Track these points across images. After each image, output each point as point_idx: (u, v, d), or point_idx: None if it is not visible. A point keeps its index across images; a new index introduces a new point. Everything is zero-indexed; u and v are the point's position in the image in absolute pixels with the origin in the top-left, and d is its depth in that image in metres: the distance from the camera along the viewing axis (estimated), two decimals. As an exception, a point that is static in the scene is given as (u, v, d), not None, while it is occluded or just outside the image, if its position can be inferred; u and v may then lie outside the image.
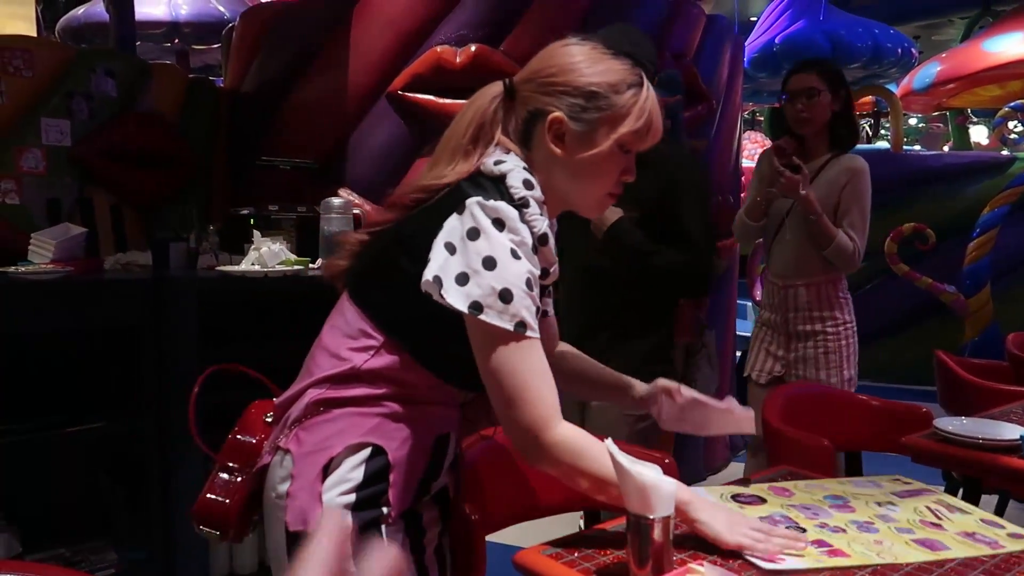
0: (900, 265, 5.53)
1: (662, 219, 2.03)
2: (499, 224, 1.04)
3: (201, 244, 2.87)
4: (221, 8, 6.29)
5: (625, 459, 1.01)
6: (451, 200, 1.09)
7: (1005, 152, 6.37)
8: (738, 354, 4.69)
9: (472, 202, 1.05)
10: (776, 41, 6.24)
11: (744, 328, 5.30)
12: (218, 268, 2.65)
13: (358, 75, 3.41)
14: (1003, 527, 1.24)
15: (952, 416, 1.91)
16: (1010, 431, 1.62)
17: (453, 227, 1.06)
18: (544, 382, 1.06)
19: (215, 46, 5.99)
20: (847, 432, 2.08)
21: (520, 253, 1.04)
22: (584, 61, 1.13)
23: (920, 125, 12.40)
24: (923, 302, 5.64)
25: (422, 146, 3.60)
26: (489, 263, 1.02)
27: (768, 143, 11.80)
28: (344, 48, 3.43)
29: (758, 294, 5.02)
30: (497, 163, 1.11)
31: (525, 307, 1.03)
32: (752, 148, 11.56)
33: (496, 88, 1.18)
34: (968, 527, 1.24)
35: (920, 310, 5.82)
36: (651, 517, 0.99)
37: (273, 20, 3.73)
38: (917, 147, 12.86)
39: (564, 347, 1.52)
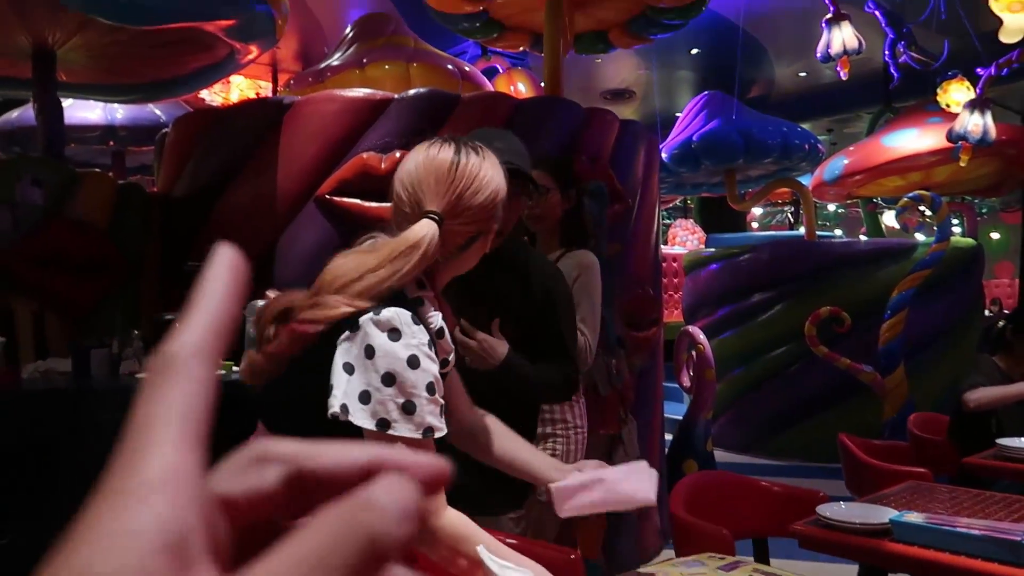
0: (820, 347, 5.77)
1: (541, 334, 1.95)
2: (394, 335, 1.11)
3: (124, 350, 2.89)
4: (157, 112, 6.42)
5: (495, 564, 1.08)
6: (346, 322, 1.15)
7: (917, 237, 6.81)
8: (668, 437, 4.80)
9: (364, 319, 1.12)
10: (694, 139, 6.65)
11: (676, 411, 5.44)
12: (141, 375, 2.67)
13: (287, 180, 3.53)
14: None
15: (850, 498, 2.03)
16: (883, 514, 1.74)
17: (348, 348, 1.13)
18: None
19: (151, 148, 6.08)
20: (748, 518, 2.18)
21: (419, 358, 1.11)
22: (496, 177, 1.27)
23: (840, 211, 13.12)
24: (845, 382, 5.87)
25: (351, 246, 3.73)
26: (388, 379, 1.09)
27: (699, 230, 12.21)
28: (274, 154, 3.56)
29: (685, 380, 5.18)
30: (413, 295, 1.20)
31: (429, 412, 1.11)
32: (683, 235, 12.05)
33: (430, 228, 1.20)
34: None
35: (842, 389, 6.05)
36: (523, 621, 1.06)
37: (206, 126, 3.86)
38: (839, 231, 13.59)
39: (483, 421, 1.55)
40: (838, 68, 5.49)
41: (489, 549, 1.12)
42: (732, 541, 1.94)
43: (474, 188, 1.24)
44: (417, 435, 1.09)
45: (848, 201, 8.76)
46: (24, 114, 6.26)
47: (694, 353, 4.96)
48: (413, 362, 1.10)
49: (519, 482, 1.94)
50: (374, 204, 3.38)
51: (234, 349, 1.42)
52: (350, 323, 1.13)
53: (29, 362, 2.88)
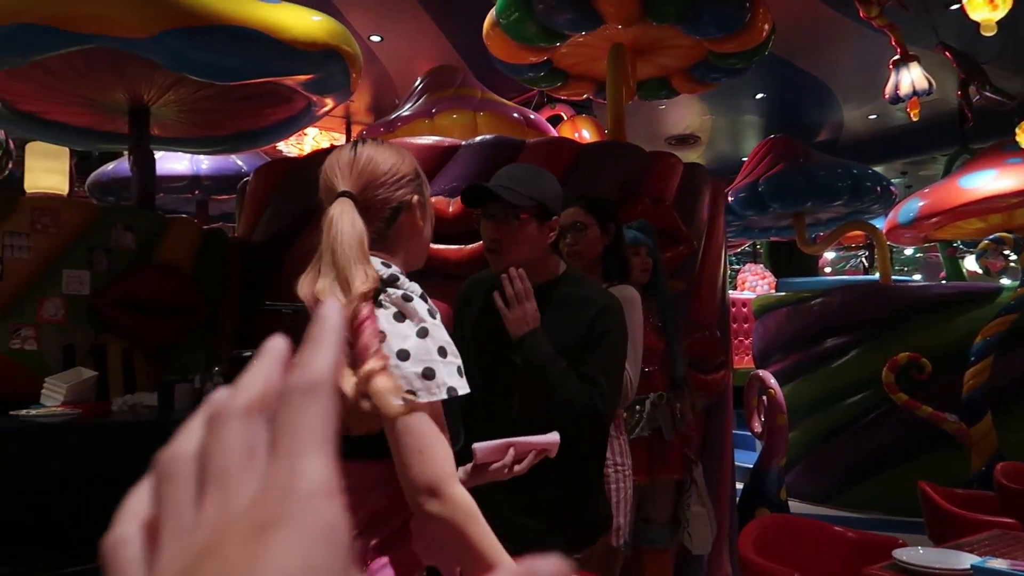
0: (899, 394, 5.56)
1: (583, 359, 1.87)
2: (399, 316, 1.20)
3: (206, 385, 3.02)
4: (239, 163, 6.76)
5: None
6: None
7: (1003, 281, 6.55)
8: (739, 486, 4.68)
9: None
10: (760, 182, 6.60)
11: (747, 459, 5.30)
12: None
13: (359, 224, 3.66)
14: None
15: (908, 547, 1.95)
16: (964, 560, 1.67)
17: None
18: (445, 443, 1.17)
19: (233, 196, 6.40)
20: (819, 564, 2.11)
21: (427, 328, 1.20)
22: (395, 155, 1.36)
23: (918, 255, 12.71)
24: (926, 431, 5.62)
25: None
26: (403, 355, 1.16)
27: (768, 274, 11.96)
28: (347, 200, 3.71)
29: (756, 426, 5.05)
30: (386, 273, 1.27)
31: (447, 373, 1.18)
32: (753, 280, 11.84)
33: (344, 207, 1.25)
34: None
35: (924, 439, 5.79)
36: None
37: (284, 174, 4.05)
38: (917, 276, 13.13)
39: None
40: (908, 110, 5.40)
41: None
42: (803, 585, 1.89)
43: (376, 160, 1.32)
44: (440, 396, 1.15)
45: (926, 244, 8.49)
46: (119, 166, 6.68)
47: (765, 398, 4.85)
48: (422, 333, 1.18)
49: (584, 526, 1.93)
50: (442, 247, 3.47)
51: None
52: None
53: (118, 396, 3.03)
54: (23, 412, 2.60)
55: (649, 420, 3.09)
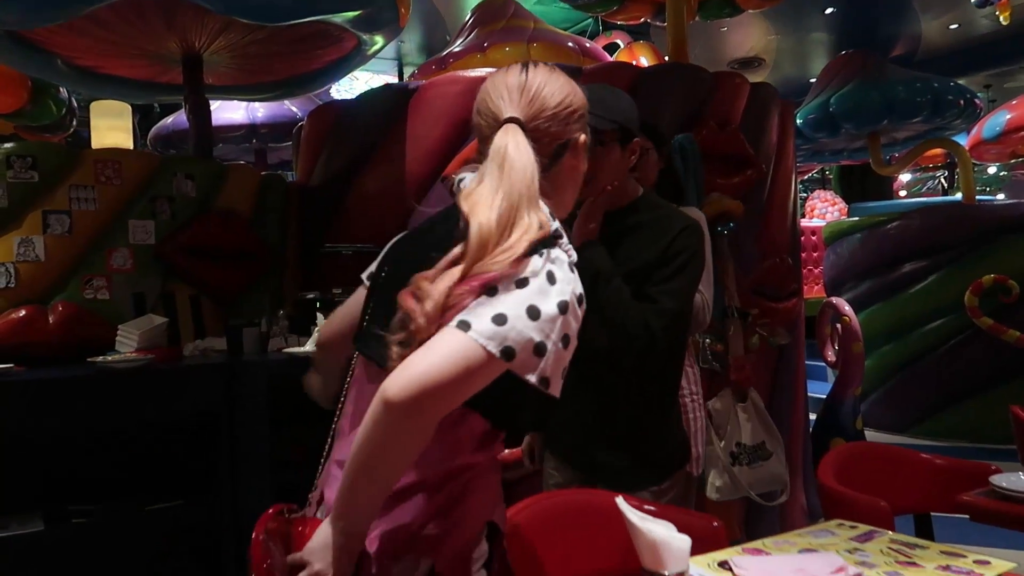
0: (984, 319, 5.30)
1: (651, 278, 1.77)
2: (551, 278, 1.05)
3: (272, 328, 3.05)
4: (294, 109, 6.75)
5: (634, 515, 1.04)
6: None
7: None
8: (812, 417, 4.56)
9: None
10: (831, 102, 6.24)
11: (818, 389, 5.15)
12: (286, 350, 2.81)
13: (415, 163, 3.60)
14: (964, 556, 1.32)
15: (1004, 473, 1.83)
16: (1070, 485, 1.55)
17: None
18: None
19: (289, 143, 6.42)
20: (907, 493, 2.02)
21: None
22: (568, 85, 1.22)
23: (1002, 174, 11.99)
24: (1013, 356, 5.36)
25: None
26: (532, 312, 1.01)
27: (839, 200, 11.52)
28: (402, 139, 3.65)
29: (830, 355, 4.89)
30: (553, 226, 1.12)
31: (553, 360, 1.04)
32: (822, 207, 11.40)
33: (516, 136, 1.13)
34: (937, 560, 1.30)
35: (1011, 366, 5.52)
36: (665, 573, 1.01)
37: (337, 117, 4.01)
38: (1001, 196, 12.40)
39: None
40: (997, 13, 4.98)
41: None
42: (891, 514, 1.80)
43: (548, 89, 1.19)
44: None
45: (1012, 161, 7.97)
46: (177, 119, 6.76)
47: (839, 326, 4.68)
48: (562, 308, 1.05)
49: (664, 459, 1.88)
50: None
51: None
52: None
53: (189, 341, 3.09)
54: (100, 359, 2.67)
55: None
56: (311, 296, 3.17)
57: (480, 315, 1.00)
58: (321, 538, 1.05)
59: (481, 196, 1.06)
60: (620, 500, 1.08)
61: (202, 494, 2.68)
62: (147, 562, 2.75)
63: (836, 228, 6.75)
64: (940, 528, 2.10)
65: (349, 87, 8.48)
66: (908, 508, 2.03)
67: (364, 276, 1.35)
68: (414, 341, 1.01)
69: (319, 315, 2.86)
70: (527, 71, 1.21)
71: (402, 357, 1.00)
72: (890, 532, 1.41)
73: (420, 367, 0.97)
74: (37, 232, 2.99)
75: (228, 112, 6.66)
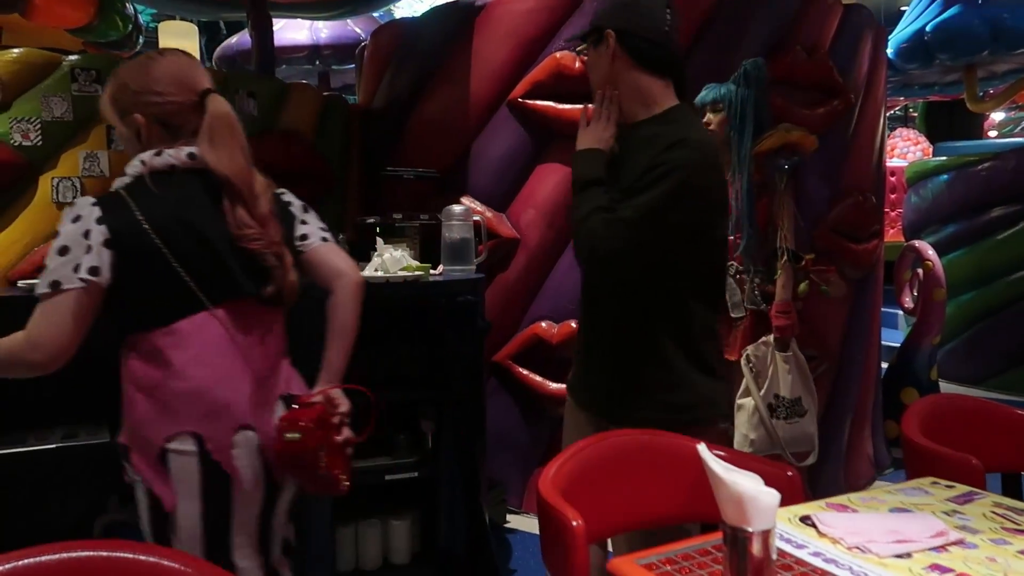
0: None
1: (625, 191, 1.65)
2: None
3: (332, 252, 3.01)
4: (358, 30, 6.60)
5: (719, 466, 0.95)
6: None
7: None
8: (884, 366, 4.37)
9: None
10: (927, 30, 5.77)
11: (894, 338, 4.93)
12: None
13: (480, 85, 3.46)
14: None
15: None
16: None
17: None
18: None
19: (353, 67, 6.30)
20: (1002, 450, 1.88)
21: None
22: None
23: (1106, 115, 11.10)
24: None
25: (542, 153, 3.60)
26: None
27: (922, 140, 10.88)
28: (467, 60, 3.50)
29: (907, 301, 4.65)
30: None
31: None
32: (904, 146, 10.79)
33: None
34: None
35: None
36: (749, 530, 0.92)
37: (400, 37, 3.87)
38: (1102, 139, 11.47)
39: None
40: None
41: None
42: (982, 472, 1.67)
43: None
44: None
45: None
46: (241, 39, 6.69)
47: (920, 271, 4.43)
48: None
49: (684, 409, 1.74)
50: (568, 106, 3.23)
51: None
52: None
53: (249, 262, 3.08)
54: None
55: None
56: (371, 221, 3.10)
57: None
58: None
59: None
60: (702, 447, 0.99)
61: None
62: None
63: (920, 168, 6.36)
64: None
65: (412, 6, 8.26)
66: (999, 466, 1.90)
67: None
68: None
69: (379, 240, 2.80)
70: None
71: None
72: (992, 495, 1.29)
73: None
74: (102, 147, 2.97)
75: (291, 32, 6.55)
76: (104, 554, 1.02)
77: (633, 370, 1.71)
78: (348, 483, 1.56)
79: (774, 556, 0.95)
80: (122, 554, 1.03)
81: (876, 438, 4.03)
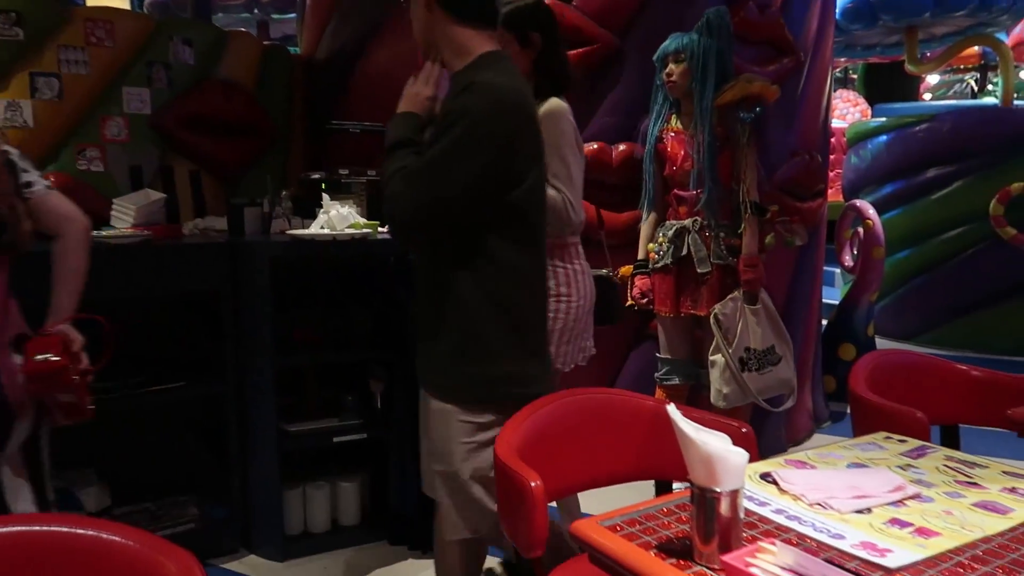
0: (1007, 228, 5.15)
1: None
2: None
3: (275, 209, 2.90)
4: (298, -24, 6.33)
5: (689, 427, 0.93)
6: None
7: None
8: (823, 323, 4.48)
9: None
10: (872, -10, 5.84)
11: (830, 296, 5.06)
12: (289, 232, 2.67)
13: (428, 37, 3.35)
14: None
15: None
16: None
17: None
18: None
19: (293, 16, 6.06)
20: (943, 404, 1.93)
21: None
22: None
23: (1034, 79, 11.47)
24: (1031, 269, 5.25)
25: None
26: None
27: (862, 101, 11.08)
28: (414, 10, 3.38)
29: (847, 260, 4.77)
30: None
31: None
32: (843, 107, 10.98)
33: None
34: (1000, 481, 1.23)
35: (1026, 278, 5.42)
36: (717, 490, 0.92)
37: (345, -15, 3.72)
38: (1029, 103, 11.88)
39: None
40: None
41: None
42: (927, 425, 1.71)
43: None
44: None
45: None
46: (173, -16, 6.37)
47: (860, 230, 4.53)
48: None
49: (483, 383, 1.66)
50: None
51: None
52: None
53: (188, 219, 2.95)
54: (94, 233, 2.53)
55: (673, 249, 2.84)
56: (316, 176, 3.00)
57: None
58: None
59: None
60: (671, 408, 0.97)
61: (204, 376, 2.61)
62: (148, 444, 2.72)
63: (861, 129, 6.48)
64: (967, 441, 2.03)
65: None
66: (939, 419, 1.95)
67: None
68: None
69: (325, 196, 2.70)
70: None
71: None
72: (942, 448, 1.32)
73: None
74: (25, 96, 2.79)
75: (227, -23, 6.27)
76: (43, 528, 0.96)
77: (442, 336, 1.65)
78: (93, 409, 1.69)
79: (742, 515, 0.94)
80: (62, 528, 0.97)
81: (816, 393, 4.14)
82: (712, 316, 2.75)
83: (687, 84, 2.76)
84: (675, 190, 2.90)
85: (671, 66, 2.79)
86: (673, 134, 2.87)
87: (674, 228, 2.85)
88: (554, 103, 2.05)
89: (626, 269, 2.96)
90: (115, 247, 2.43)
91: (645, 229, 2.97)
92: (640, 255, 2.97)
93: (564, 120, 2.05)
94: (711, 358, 2.80)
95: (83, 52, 2.93)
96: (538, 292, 1.74)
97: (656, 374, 3.00)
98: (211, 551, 2.55)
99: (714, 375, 2.79)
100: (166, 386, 2.49)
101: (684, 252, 2.82)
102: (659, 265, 2.88)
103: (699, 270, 2.80)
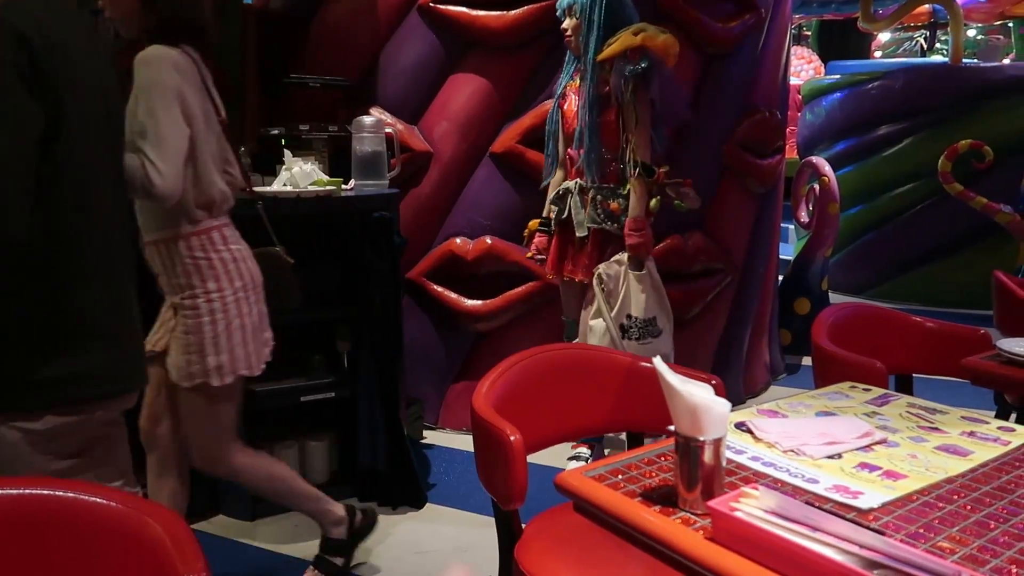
0: (954, 184, 5.29)
1: None
2: None
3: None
4: (246, -78, 6.07)
5: (675, 378, 0.95)
6: None
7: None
8: (779, 278, 4.58)
9: None
10: (829, -54, 5.88)
11: (784, 251, 5.16)
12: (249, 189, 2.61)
13: (388, -12, 3.27)
14: (987, 422, 1.31)
15: (1010, 338, 1.82)
16: (1080, 352, 1.53)
17: None
18: None
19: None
20: (900, 354, 2.00)
21: None
22: None
23: (978, 37, 11.72)
24: (977, 223, 5.42)
25: (455, 62, 3.45)
26: None
27: (815, 58, 11.18)
28: (373, -41, 3.28)
29: (803, 216, 4.86)
30: None
31: None
32: (798, 64, 11.08)
33: None
34: (960, 426, 1.29)
35: (973, 232, 5.60)
36: (701, 439, 0.94)
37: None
38: (974, 60, 12.16)
39: None
40: None
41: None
42: (886, 375, 1.78)
43: None
44: None
45: (996, 23, 7.74)
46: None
47: (816, 187, 4.61)
48: None
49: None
50: (483, 12, 3.10)
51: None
52: None
53: (142, 176, 2.85)
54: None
55: (557, 211, 2.76)
56: (276, 132, 2.93)
57: None
58: None
59: None
60: (658, 360, 0.99)
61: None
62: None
63: (815, 86, 6.55)
64: (923, 390, 2.11)
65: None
66: (900, 369, 2.03)
67: None
68: None
69: (287, 153, 2.64)
70: None
71: None
72: (905, 396, 1.37)
73: None
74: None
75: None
76: (22, 492, 0.94)
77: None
78: None
79: (724, 463, 0.97)
80: (42, 491, 0.96)
81: (772, 346, 4.26)
82: (596, 275, 2.65)
83: (580, 39, 2.64)
84: (568, 149, 2.80)
85: (565, 22, 2.69)
86: (574, 93, 2.75)
87: (558, 190, 2.78)
88: (153, 49, 1.77)
89: (533, 223, 2.90)
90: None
91: (550, 189, 2.87)
92: (544, 213, 2.87)
93: (160, 68, 1.75)
94: (590, 323, 2.67)
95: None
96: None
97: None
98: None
99: (592, 340, 2.65)
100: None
101: (565, 215, 2.74)
102: (548, 227, 2.82)
103: (577, 234, 2.71)
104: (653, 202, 2.65)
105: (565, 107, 2.79)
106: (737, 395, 3.80)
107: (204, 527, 2.54)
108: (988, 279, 2.78)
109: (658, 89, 2.60)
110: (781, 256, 4.85)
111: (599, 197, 2.67)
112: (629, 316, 2.62)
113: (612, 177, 2.68)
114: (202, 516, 2.58)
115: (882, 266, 6.00)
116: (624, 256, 2.63)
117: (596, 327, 2.65)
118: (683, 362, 2.97)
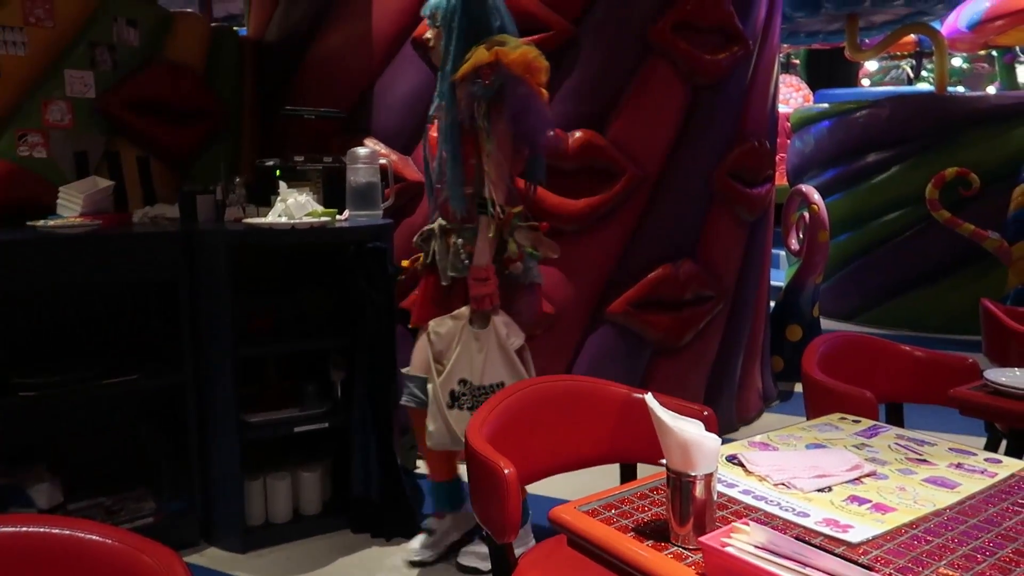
0: (941, 211, 5.35)
1: None
2: None
3: (228, 196, 2.85)
4: (242, -46, 6.16)
5: (666, 414, 0.97)
6: None
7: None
8: (771, 304, 4.61)
9: None
10: (816, -22, 5.99)
11: (775, 278, 5.20)
12: (245, 220, 2.63)
13: (381, 21, 3.32)
14: (974, 453, 1.33)
15: (997, 367, 1.84)
16: (1066, 383, 1.55)
17: None
18: None
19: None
20: (889, 383, 2.02)
21: None
22: None
23: (964, 66, 11.94)
24: (964, 249, 5.48)
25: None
26: None
27: (804, 87, 11.32)
28: (367, -7, 3.34)
29: (793, 243, 4.91)
30: None
31: None
32: (787, 92, 11.22)
33: None
34: (948, 458, 1.31)
35: (961, 258, 5.66)
36: (693, 474, 0.95)
37: (294, -36, 3.64)
38: (960, 88, 12.37)
39: None
40: None
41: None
42: (876, 405, 1.80)
43: None
44: None
45: (980, 52, 7.88)
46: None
47: (806, 214, 4.66)
48: None
49: None
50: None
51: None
52: None
53: (137, 207, 2.88)
54: (40, 223, 2.46)
55: (424, 255, 2.38)
56: (270, 163, 2.95)
57: None
58: None
59: None
60: (649, 397, 1.00)
61: (161, 367, 2.56)
62: (102, 437, 2.66)
63: (804, 115, 6.64)
64: (913, 419, 2.13)
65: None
66: (888, 398, 2.05)
67: None
68: None
69: (282, 184, 2.66)
70: None
71: None
72: (893, 427, 1.39)
73: None
74: None
75: (167, -46, 6.05)
76: (18, 529, 0.95)
77: None
78: None
79: (715, 498, 0.98)
80: (38, 528, 0.96)
81: (764, 372, 4.27)
82: (427, 333, 2.28)
83: (441, 52, 2.26)
84: (435, 183, 2.36)
85: (428, 32, 2.32)
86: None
87: (422, 231, 2.41)
88: None
89: (407, 263, 2.54)
90: (64, 237, 2.36)
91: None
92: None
93: None
94: (428, 385, 2.30)
95: (21, 32, 2.82)
96: None
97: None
98: (170, 545, 2.51)
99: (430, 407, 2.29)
100: (121, 378, 2.44)
101: (430, 259, 2.35)
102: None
103: (443, 282, 2.30)
104: (511, 247, 2.26)
105: (433, 134, 2.39)
106: (730, 422, 3.81)
107: (196, 559, 2.52)
108: (976, 305, 2.81)
109: (511, 111, 2.19)
110: (773, 282, 4.89)
111: (459, 240, 2.26)
112: (462, 381, 2.23)
113: (473, 218, 2.27)
114: (193, 547, 2.57)
115: (870, 292, 6.05)
116: (466, 310, 2.24)
117: (429, 391, 2.30)
118: (675, 390, 3.01)
